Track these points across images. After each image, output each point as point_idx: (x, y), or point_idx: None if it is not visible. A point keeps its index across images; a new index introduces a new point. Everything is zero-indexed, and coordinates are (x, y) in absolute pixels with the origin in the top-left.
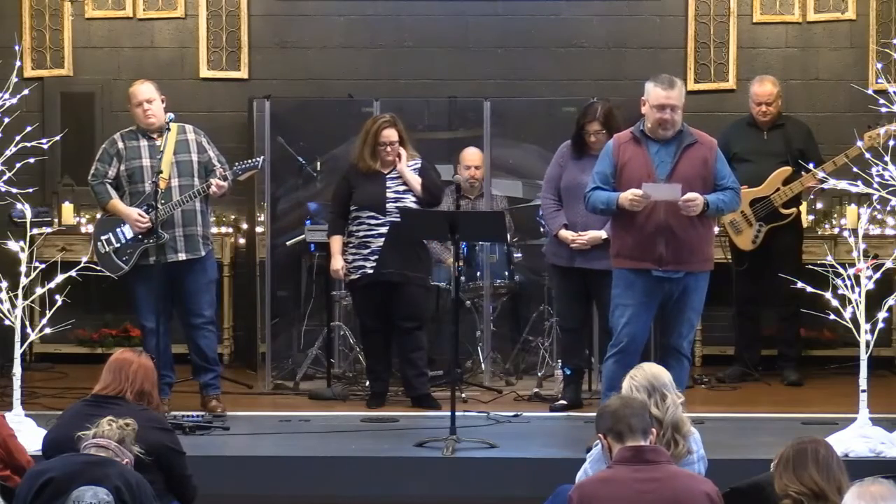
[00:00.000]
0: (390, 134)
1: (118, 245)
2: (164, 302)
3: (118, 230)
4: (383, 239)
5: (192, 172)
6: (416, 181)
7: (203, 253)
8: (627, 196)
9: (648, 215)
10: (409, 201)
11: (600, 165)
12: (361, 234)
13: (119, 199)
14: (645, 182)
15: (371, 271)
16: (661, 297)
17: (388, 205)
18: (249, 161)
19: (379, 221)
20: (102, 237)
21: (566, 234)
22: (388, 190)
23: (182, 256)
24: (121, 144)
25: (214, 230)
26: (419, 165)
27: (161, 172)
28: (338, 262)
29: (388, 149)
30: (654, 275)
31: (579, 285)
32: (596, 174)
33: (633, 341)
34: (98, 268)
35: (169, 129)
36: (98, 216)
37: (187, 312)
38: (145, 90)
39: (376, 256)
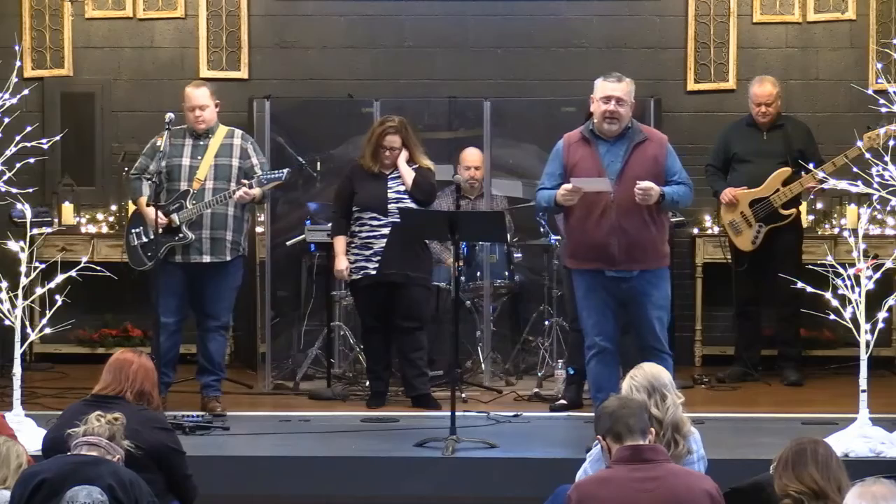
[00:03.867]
0: (392, 140)
1: (146, 240)
2: (183, 301)
3: (149, 226)
4: (385, 240)
5: (230, 177)
6: (409, 175)
7: (228, 258)
8: (560, 191)
9: (600, 216)
10: (411, 202)
11: (550, 166)
12: (364, 234)
13: (146, 199)
14: (575, 177)
15: (374, 272)
16: (620, 296)
17: (389, 205)
18: (274, 172)
19: (381, 222)
20: (134, 230)
21: None
22: (389, 191)
23: (206, 259)
24: (167, 141)
25: None
26: (415, 165)
27: (161, 173)
28: (342, 263)
29: (387, 153)
30: (607, 275)
31: None
32: (545, 175)
33: (605, 339)
34: (98, 268)
35: (167, 128)
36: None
37: (203, 315)
38: (200, 96)
39: (379, 257)
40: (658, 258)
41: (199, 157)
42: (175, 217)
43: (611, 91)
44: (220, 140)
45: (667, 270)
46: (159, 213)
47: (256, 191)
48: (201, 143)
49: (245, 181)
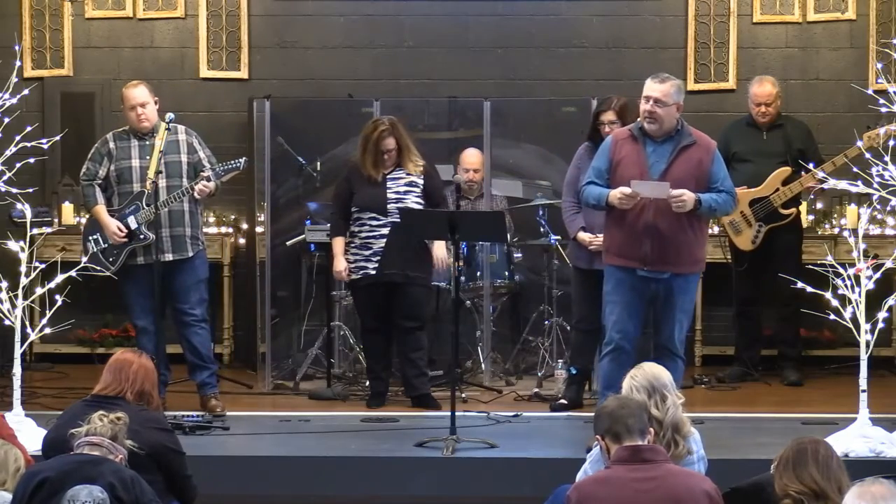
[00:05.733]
0: (390, 143)
1: (105, 245)
2: (154, 301)
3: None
4: (385, 240)
5: (181, 173)
6: (441, 248)
7: (190, 253)
8: (616, 194)
9: (638, 215)
10: (411, 202)
11: (597, 161)
12: (363, 234)
13: (104, 206)
14: (635, 180)
15: (373, 272)
16: (649, 296)
17: (389, 206)
18: (231, 163)
19: (380, 222)
20: (91, 237)
21: (584, 236)
22: (388, 191)
23: (168, 257)
24: (112, 144)
25: (214, 230)
26: (422, 169)
27: (161, 172)
28: (340, 264)
29: (386, 156)
30: (639, 274)
31: (599, 287)
32: (591, 169)
33: (624, 338)
34: (98, 267)
35: (169, 129)
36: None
37: (178, 311)
38: (139, 94)
39: (378, 257)
40: (691, 263)
41: (148, 157)
42: (132, 220)
43: (649, 91)
44: (164, 137)
45: (697, 276)
46: (121, 228)
47: (212, 185)
48: (147, 142)
49: (203, 174)
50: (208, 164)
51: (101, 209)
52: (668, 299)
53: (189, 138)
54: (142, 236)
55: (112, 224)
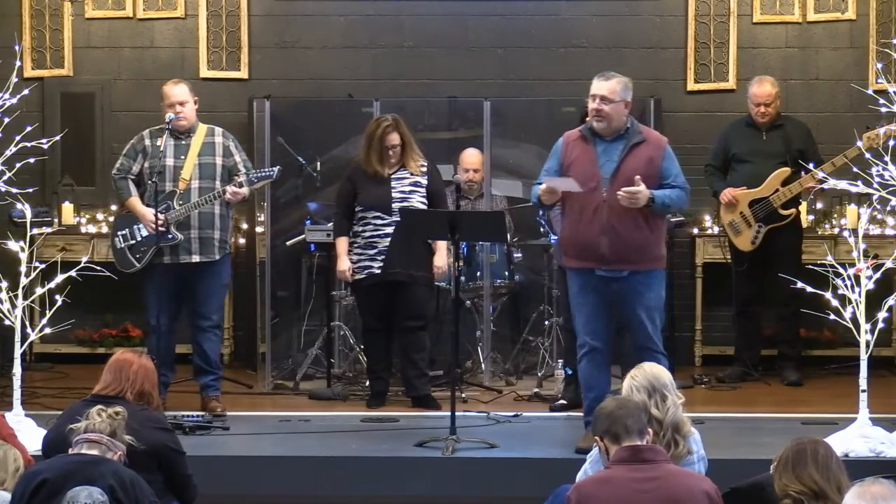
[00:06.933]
0: (393, 138)
1: (133, 242)
2: (173, 302)
3: (135, 227)
4: (389, 239)
5: (215, 175)
6: (443, 254)
7: (217, 256)
8: (539, 190)
9: (592, 216)
10: (416, 201)
11: (548, 163)
12: (367, 234)
13: (138, 197)
14: (548, 177)
15: (378, 271)
16: (611, 296)
17: (394, 205)
18: (265, 170)
19: (385, 222)
20: (120, 232)
21: None
22: (393, 191)
23: (195, 258)
24: (148, 142)
25: None
26: (424, 169)
27: (161, 173)
28: (344, 264)
29: (391, 152)
30: (598, 274)
31: None
32: (543, 170)
33: (595, 339)
34: (98, 268)
35: (169, 129)
36: (115, 210)
37: (195, 314)
38: (179, 92)
39: (383, 257)
40: (650, 260)
41: (183, 157)
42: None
43: (595, 89)
44: (201, 139)
45: (661, 272)
46: (158, 215)
47: (245, 190)
48: (183, 142)
49: (237, 179)
50: (244, 168)
51: (136, 200)
52: (629, 299)
53: (226, 141)
54: (170, 235)
55: (149, 213)
